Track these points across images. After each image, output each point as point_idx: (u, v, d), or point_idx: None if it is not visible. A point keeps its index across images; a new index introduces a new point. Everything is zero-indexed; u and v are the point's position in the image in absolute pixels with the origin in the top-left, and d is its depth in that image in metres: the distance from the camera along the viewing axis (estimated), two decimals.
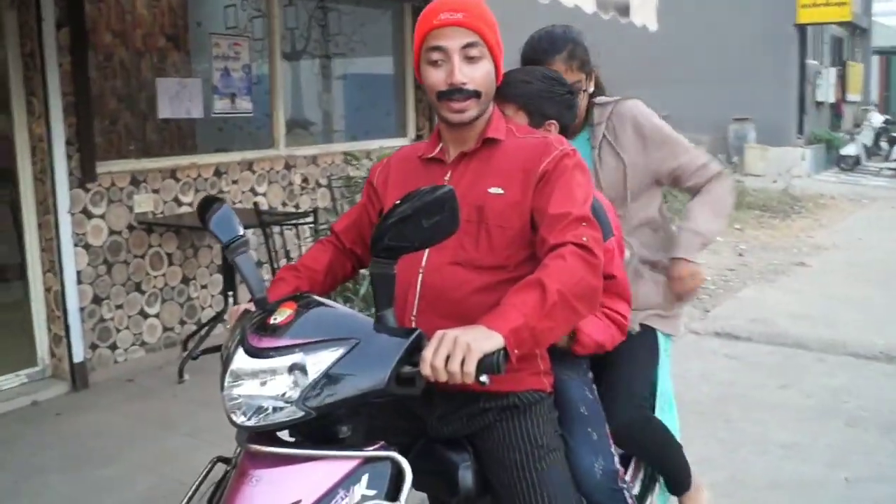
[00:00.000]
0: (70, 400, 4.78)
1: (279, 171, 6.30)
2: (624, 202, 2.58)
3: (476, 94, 1.91)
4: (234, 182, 5.94)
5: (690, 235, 2.57)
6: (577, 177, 1.92)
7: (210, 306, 5.72)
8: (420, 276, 1.95)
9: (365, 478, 1.61)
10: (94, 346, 5.03)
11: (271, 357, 1.60)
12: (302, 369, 1.58)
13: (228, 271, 5.31)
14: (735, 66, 16.50)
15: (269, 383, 1.59)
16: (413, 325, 1.93)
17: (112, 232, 5.12)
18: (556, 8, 4.63)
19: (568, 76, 2.38)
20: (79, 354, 4.88)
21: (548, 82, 2.21)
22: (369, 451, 1.64)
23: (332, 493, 1.58)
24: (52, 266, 4.81)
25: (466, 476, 1.99)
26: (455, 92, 1.90)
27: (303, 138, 7.85)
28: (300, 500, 1.55)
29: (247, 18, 7.35)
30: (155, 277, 5.41)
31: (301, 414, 1.57)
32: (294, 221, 5.29)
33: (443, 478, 2.02)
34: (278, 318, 1.68)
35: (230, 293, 5.32)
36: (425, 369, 1.56)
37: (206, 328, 5.37)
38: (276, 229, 5.14)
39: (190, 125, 6.61)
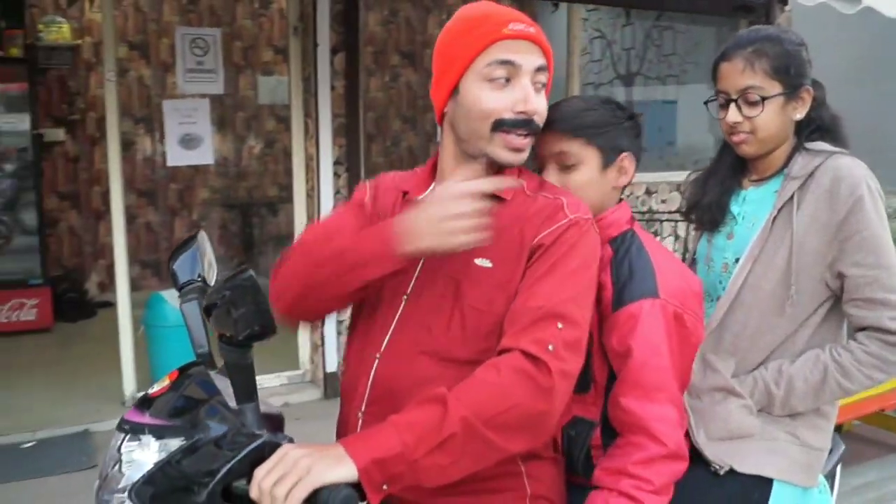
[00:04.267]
0: (316, 406, 5.01)
1: None
2: (780, 306, 1.83)
3: (537, 132, 1.54)
4: None
5: (761, 385, 1.83)
6: (578, 256, 1.47)
7: None
8: (376, 362, 1.55)
9: None
10: None
11: (123, 431, 1.41)
12: (142, 451, 1.37)
13: None
14: None
15: (126, 462, 1.39)
16: (359, 424, 1.56)
17: None
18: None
19: (745, 78, 1.84)
20: (332, 364, 5.11)
21: (609, 107, 1.77)
22: None
23: None
24: None
25: None
26: (522, 123, 1.49)
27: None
28: None
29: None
30: None
31: None
32: None
33: None
34: (155, 387, 1.50)
35: None
36: (253, 490, 1.24)
37: None
38: None
39: None
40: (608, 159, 1.75)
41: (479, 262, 1.50)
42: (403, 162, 7.71)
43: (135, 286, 5.01)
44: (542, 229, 1.48)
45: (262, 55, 7.87)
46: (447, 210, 1.38)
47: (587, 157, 1.73)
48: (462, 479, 1.38)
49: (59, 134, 7.32)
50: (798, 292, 1.81)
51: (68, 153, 7.45)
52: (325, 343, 5.06)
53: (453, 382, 1.39)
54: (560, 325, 1.36)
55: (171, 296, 4.94)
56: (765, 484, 1.79)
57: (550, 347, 1.33)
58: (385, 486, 1.25)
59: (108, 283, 7.31)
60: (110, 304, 6.76)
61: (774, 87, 1.83)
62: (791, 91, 1.84)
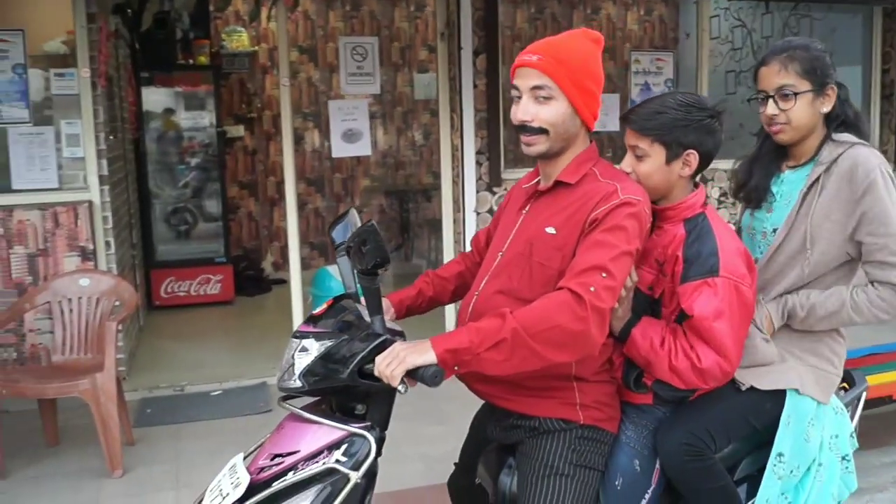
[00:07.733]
0: None
1: None
2: (800, 263, 2.26)
3: (543, 131, 2.01)
4: None
5: (799, 302, 2.24)
6: (625, 228, 1.91)
7: None
8: (474, 298, 2.14)
9: (344, 446, 1.95)
10: None
11: (296, 338, 2.04)
12: (307, 351, 1.99)
13: None
14: None
15: (297, 358, 2.02)
16: None
17: None
18: None
19: (780, 77, 2.23)
20: None
21: (683, 109, 2.11)
22: (352, 427, 1.97)
23: (320, 451, 1.95)
24: None
25: (505, 480, 2.21)
26: (522, 128, 2.04)
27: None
28: (299, 450, 1.96)
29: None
30: None
31: (300, 385, 1.98)
32: None
33: (494, 479, 2.26)
34: (317, 310, 2.15)
35: None
36: (376, 370, 1.86)
37: None
38: None
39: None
40: (673, 154, 2.11)
41: (548, 229, 2.03)
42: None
43: (304, 265, 5.70)
44: (598, 207, 1.95)
45: (417, 54, 8.54)
46: None
47: (654, 152, 2.13)
48: (526, 384, 1.98)
49: (240, 130, 8.27)
50: (813, 254, 2.23)
51: (247, 147, 8.39)
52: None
53: None
54: (604, 275, 1.85)
55: (335, 270, 5.59)
56: (777, 396, 2.21)
57: (592, 289, 1.82)
58: (456, 368, 1.81)
59: (282, 263, 8.20)
60: (283, 282, 7.62)
61: (804, 85, 2.23)
62: (818, 88, 2.24)
